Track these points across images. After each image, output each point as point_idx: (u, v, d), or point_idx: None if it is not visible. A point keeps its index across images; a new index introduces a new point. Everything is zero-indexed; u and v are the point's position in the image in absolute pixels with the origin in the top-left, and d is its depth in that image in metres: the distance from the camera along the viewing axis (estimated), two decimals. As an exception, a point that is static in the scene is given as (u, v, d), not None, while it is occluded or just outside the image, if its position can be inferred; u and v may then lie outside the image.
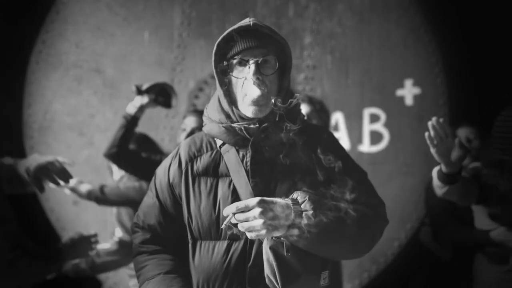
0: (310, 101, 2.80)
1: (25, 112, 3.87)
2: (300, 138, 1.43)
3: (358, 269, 3.79)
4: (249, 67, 1.42)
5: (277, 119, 1.44)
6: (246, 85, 1.42)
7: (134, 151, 2.74)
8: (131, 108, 2.62)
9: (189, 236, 1.51)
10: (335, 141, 1.60)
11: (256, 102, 1.42)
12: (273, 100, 1.41)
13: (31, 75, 3.84)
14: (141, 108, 2.63)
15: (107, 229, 3.53)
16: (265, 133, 1.44)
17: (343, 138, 3.84)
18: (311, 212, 1.27)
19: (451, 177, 2.12)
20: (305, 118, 1.59)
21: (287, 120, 1.42)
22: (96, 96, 3.88)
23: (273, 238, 1.30)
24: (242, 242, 1.42)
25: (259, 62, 1.42)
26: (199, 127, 2.41)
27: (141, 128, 3.25)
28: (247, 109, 1.43)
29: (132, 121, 2.61)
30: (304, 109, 2.70)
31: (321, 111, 2.80)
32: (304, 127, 1.51)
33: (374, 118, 3.88)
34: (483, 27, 3.50)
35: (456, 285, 2.83)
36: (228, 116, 1.49)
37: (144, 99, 2.63)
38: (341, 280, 1.67)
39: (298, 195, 1.31)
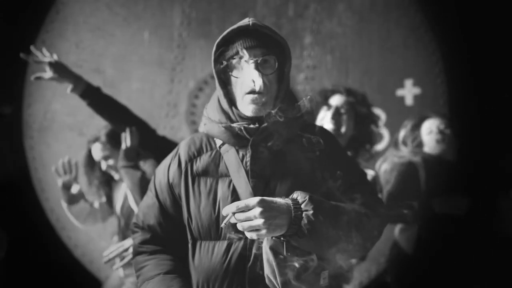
0: (349, 93, 2.55)
1: (25, 112, 3.87)
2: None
3: (358, 269, 3.79)
4: (249, 67, 1.42)
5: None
6: (249, 74, 1.42)
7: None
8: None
9: (189, 236, 1.51)
10: (335, 142, 1.60)
11: (255, 100, 1.42)
12: (272, 111, 1.41)
13: (31, 75, 3.84)
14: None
15: (107, 229, 3.53)
16: (265, 133, 1.44)
17: (343, 138, 3.84)
18: (311, 212, 1.27)
19: None
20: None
21: (305, 134, 1.45)
22: (96, 96, 3.87)
23: (273, 238, 1.30)
24: (242, 242, 1.42)
25: (258, 61, 1.42)
26: None
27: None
28: (246, 108, 1.44)
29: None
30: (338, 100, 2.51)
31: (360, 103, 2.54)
32: (303, 128, 1.52)
33: (374, 118, 3.88)
34: (483, 27, 3.50)
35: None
36: (227, 116, 1.49)
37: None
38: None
39: (298, 195, 1.31)
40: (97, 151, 2.94)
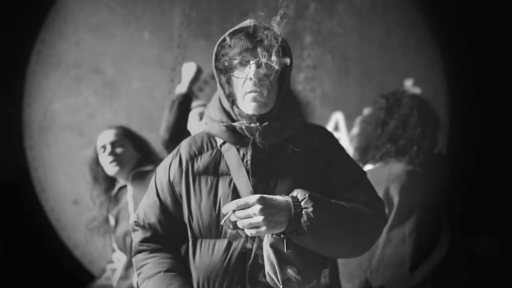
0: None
1: (25, 112, 3.87)
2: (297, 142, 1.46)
3: (358, 269, 3.78)
4: (250, 67, 1.43)
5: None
6: (249, 74, 1.43)
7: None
8: (183, 88, 2.49)
9: (190, 235, 1.52)
10: (334, 141, 1.60)
11: (256, 98, 1.43)
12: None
13: (31, 75, 3.84)
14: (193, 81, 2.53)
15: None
16: (265, 132, 1.45)
17: (343, 138, 3.84)
18: (311, 209, 1.27)
19: None
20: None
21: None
22: (96, 96, 3.87)
23: (273, 235, 1.30)
24: (242, 240, 1.42)
25: (259, 62, 1.42)
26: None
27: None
28: (247, 106, 1.45)
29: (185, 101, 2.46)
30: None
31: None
32: (303, 127, 1.53)
33: (374, 118, 3.88)
34: (484, 27, 3.50)
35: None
36: (228, 115, 1.50)
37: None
38: (340, 279, 1.67)
39: (298, 193, 1.32)
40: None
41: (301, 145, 1.49)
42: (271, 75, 1.44)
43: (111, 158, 2.53)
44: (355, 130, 3.01)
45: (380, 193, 2.16)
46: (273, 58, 1.40)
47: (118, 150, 2.55)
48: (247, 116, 1.46)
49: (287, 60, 1.44)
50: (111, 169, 2.56)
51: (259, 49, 1.42)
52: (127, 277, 2.47)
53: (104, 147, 2.57)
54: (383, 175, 2.22)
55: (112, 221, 2.63)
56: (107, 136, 2.60)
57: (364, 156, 2.39)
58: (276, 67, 1.41)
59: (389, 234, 2.20)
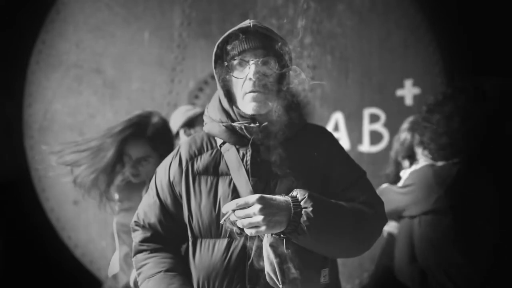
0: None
1: (25, 112, 3.87)
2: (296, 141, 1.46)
3: (358, 269, 3.79)
4: (249, 68, 1.43)
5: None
6: (249, 74, 1.43)
7: None
8: None
9: (190, 235, 1.52)
10: (334, 141, 1.60)
11: (256, 98, 1.43)
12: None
13: (31, 75, 3.84)
14: None
15: (107, 229, 3.53)
16: (265, 132, 1.45)
17: (343, 138, 3.84)
18: (310, 209, 1.28)
19: None
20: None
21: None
22: (96, 96, 3.88)
23: (273, 235, 1.30)
24: (242, 240, 1.42)
25: (258, 62, 1.43)
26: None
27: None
28: (247, 106, 1.45)
29: None
30: None
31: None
32: (303, 128, 1.54)
33: (374, 118, 3.88)
34: (484, 27, 3.50)
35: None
36: (228, 115, 1.50)
37: None
38: (339, 279, 1.67)
39: (297, 192, 1.32)
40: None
41: (301, 145, 1.49)
42: (270, 75, 1.44)
43: (131, 171, 2.34)
44: (404, 135, 2.84)
45: (439, 192, 1.99)
46: (301, 75, 1.41)
47: (142, 168, 2.34)
48: (246, 116, 1.46)
49: (311, 81, 1.46)
50: (131, 178, 2.38)
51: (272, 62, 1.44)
52: (125, 272, 2.46)
53: (129, 157, 2.36)
54: (450, 175, 1.99)
55: (118, 206, 2.53)
56: (138, 149, 2.34)
57: (438, 154, 2.08)
58: (307, 85, 1.43)
59: (441, 240, 2.00)
